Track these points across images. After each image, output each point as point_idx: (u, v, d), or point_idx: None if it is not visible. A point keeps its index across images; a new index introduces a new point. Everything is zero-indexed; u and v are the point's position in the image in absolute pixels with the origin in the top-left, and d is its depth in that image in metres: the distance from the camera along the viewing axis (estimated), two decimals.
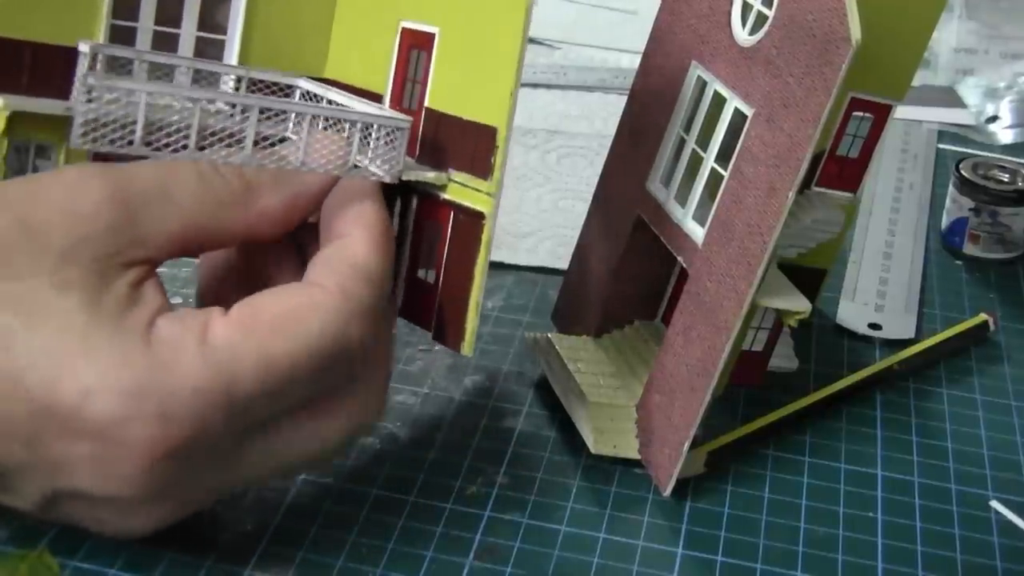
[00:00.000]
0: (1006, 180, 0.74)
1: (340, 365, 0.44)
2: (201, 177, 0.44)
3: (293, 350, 0.42)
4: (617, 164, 0.58)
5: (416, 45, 0.49)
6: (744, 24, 0.50)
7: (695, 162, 0.52)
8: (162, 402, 0.41)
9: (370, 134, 0.45)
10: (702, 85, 0.52)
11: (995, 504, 0.53)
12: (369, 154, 0.45)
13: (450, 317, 0.48)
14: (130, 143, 0.41)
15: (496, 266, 0.68)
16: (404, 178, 0.46)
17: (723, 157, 0.50)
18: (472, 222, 0.47)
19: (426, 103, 0.49)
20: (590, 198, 0.60)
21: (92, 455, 0.41)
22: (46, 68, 0.45)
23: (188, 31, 0.46)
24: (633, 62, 0.58)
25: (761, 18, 0.49)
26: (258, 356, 0.42)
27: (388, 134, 0.46)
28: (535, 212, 0.74)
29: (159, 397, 0.41)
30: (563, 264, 0.63)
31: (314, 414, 0.45)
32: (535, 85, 0.91)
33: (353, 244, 0.45)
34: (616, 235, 0.57)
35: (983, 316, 0.65)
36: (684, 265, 0.52)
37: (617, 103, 0.59)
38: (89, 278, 0.42)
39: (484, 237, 0.46)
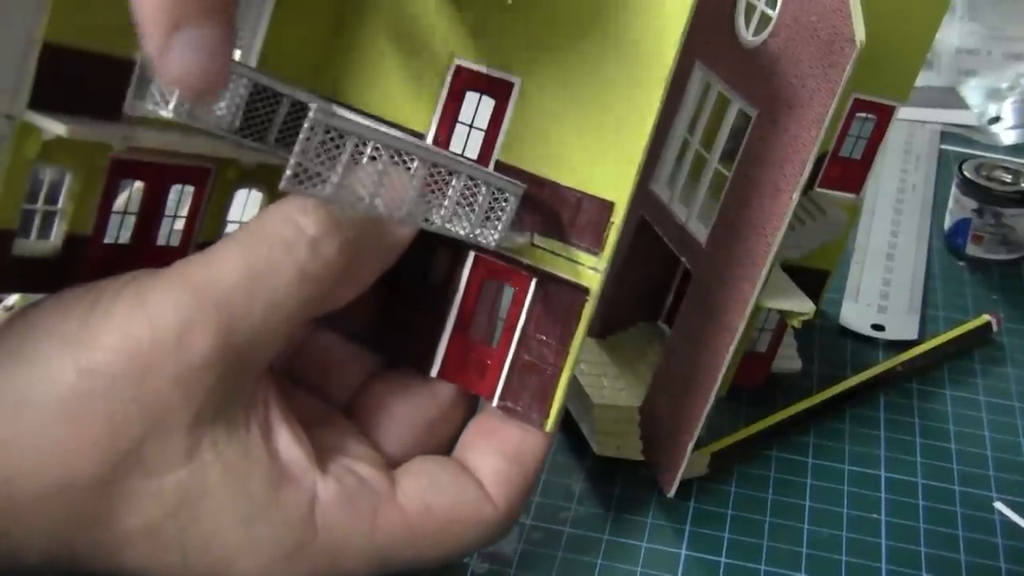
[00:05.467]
0: (1009, 181, 0.73)
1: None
2: (302, 274, 0.39)
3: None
4: None
5: (477, 88, 0.44)
6: (748, 25, 0.50)
7: (699, 163, 0.52)
8: None
9: (476, 194, 0.40)
10: (706, 86, 0.52)
11: (999, 505, 0.53)
12: (467, 213, 0.41)
13: (527, 386, 0.44)
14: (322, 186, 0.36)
15: None
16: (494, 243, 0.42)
17: (727, 158, 0.50)
18: (570, 296, 0.43)
19: (497, 156, 0.44)
20: None
21: None
22: (89, 83, 0.39)
23: None
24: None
25: (765, 19, 0.49)
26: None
27: (496, 198, 0.41)
28: None
29: None
30: None
31: None
32: None
33: (530, 459, 0.44)
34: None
35: (986, 317, 0.65)
36: (688, 266, 0.52)
37: None
38: (223, 447, 0.39)
39: (586, 314, 0.43)
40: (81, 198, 0.40)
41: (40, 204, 0.40)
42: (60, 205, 0.40)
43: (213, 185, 0.44)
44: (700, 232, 0.51)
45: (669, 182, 0.54)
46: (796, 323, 0.52)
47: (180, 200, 0.44)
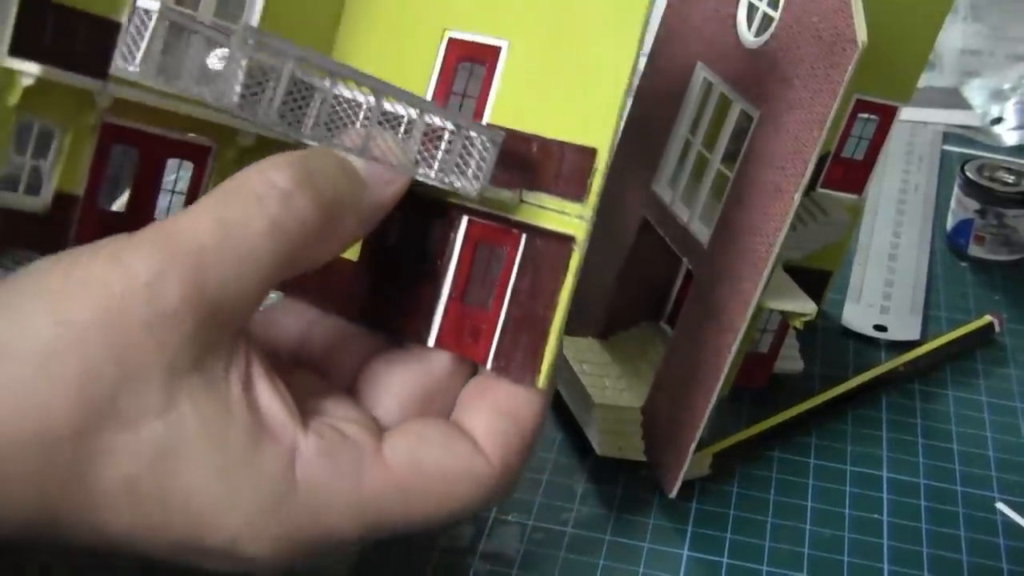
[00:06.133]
0: (1011, 182, 0.73)
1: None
2: (274, 224, 0.39)
3: (437, 515, 0.42)
4: (622, 166, 0.58)
5: (468, 58, 0.45)
6: (750, 26, 0.50)
7: (701, 164, 0.52)
8: (309, 546, 0.41)
9: (454, 141, 0.41)
10: (708, 87, 0.52)
11: (1001, 506, 0.53)
12: (451, 164, 0.41)
13: (519, 344, 0.44)
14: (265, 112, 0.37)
15: None
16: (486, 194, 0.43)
17: (729, 159, 0.50)
18: (557, 247, 0.43)
19: (488, 119, 0.44)
20: None
21: (235, 565, 0.41)
22: (73, 40, 0.40)
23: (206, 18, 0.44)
24: (639, 64, 0.58)
25: (767, 20, 0.49)
26: (405, 515, 0.42)
27: (479, 146, 0.41)
28: None
29: (307, 543, 0.41)
30: None
31: None
32: None
33: (527, 410, 0.43)
34: (622, 237, 0.57)
35: (988, 318, 0.65)
36: (690, 267, 0.52)
37: None
38: (200, 399, 0.39)
39: (573, 263, 0.42)
40: (70, 157, 0.41)
41: (28, 159, 0.41)
42: (49, 161, 0.41)
43: (214, 164, 0.45)
44: (702, 233, 0.51)
45: (671, 183, 0.54)
46: (798, 324, 0.52)
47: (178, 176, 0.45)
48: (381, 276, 0.46)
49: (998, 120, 0.93)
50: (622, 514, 0.51)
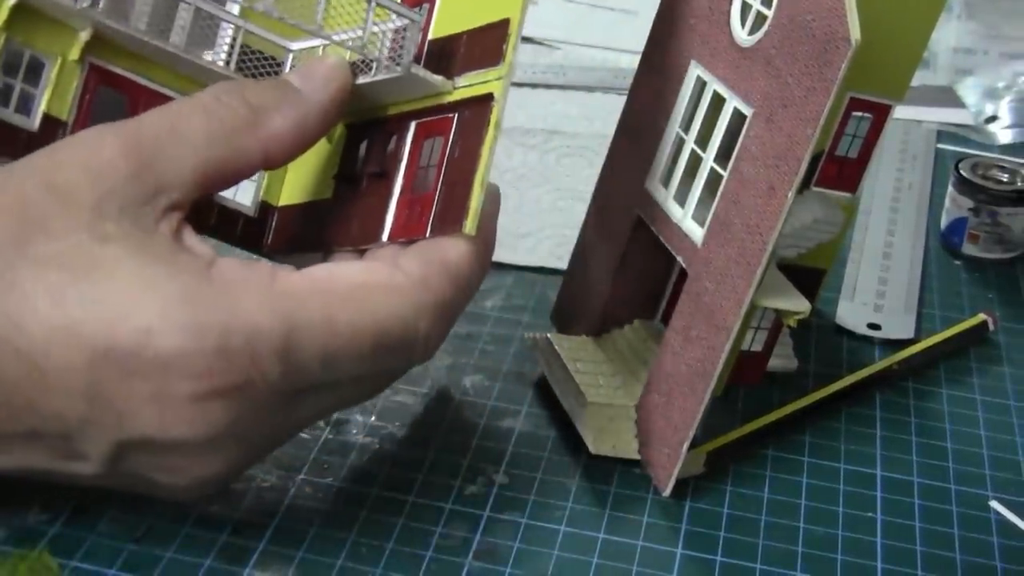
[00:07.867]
0: (1005, 180, 0.74)
1: (399, 353, 0.45)
2: (206, 111, 0.45)
3: (358, 323, 0.43)
4: (616, 164, 0.58)
5: (419, 2, 0.51)
6: (743, 24, 0.50)
7: (694, 162, 0.52)
8: (223, 336, 0.41)
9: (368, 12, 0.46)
10: (701, 85, 0.52)
11: (994, 504, 0.53)
12: (379, 44, 0.47)
13: (451, 202, 0.46)
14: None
15: (495, 266, 0.67)
16: (413, 72, 0.47)
17: (722, 157, 0.50)
18: (480, 108, 0.47)
19: (430, 36, 0.50)
20: (589, 198, 0.60)
21: (153, 395, 0.41)
22: None
23: None
24: (632, 62, 0.59)
25: (760, 18, 0.49)
26: (322, 316, 0.42)
27: (398, 29, 0.47)
28: (534, 212, 0.74)
29: (220, 331, 0.41)
30: (562, 264, 0.63)
31: (364, 381, 0.46)
32: (535, 85, 0.91)
33: (450, 245, 0.46)
34: (615, 235, 0.57)
35: (982, 316, 0.65)
36: (683, 265, 0.52)
37: (616, 103, 0.59)
38: (127, 229, 0.42)
39: (493, 117, 0.46)
40: (57, 86, 0.48)
41: (19, 81, 0.47)
42: (40, 87, 0.47)
43: None
44: (695, 231, 0.51)
45: (665, 181, 0.54)
46: (792, 322, 0.52)
47: None
48: (349, 203, 0.50)
49: (992, 118, 0.93)
50: (616, 512, 0.51)
